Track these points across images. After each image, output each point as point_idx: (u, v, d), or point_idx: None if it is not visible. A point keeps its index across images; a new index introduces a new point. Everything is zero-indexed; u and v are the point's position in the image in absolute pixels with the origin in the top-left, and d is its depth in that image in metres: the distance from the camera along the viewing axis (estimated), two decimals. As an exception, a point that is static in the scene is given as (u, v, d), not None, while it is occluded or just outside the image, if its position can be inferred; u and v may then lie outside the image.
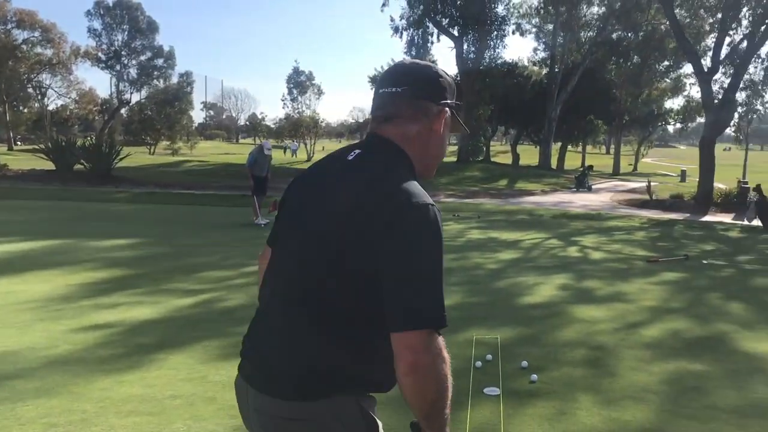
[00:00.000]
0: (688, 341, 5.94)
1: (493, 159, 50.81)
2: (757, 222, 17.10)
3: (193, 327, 5.97)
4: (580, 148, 60.87)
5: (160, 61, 64.17)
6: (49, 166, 25.75)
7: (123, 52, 62.24)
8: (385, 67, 49.05)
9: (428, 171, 1.79)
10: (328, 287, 1.57)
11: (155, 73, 64.01)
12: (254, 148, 14.60)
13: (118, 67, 62.26)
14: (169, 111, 58.59)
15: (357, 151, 1.72)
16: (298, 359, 1.59)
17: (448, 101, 1.75)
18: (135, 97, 64.39)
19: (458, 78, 41.57)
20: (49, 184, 22.87)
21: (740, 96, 25.08)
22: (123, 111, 63.97)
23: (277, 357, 1.64)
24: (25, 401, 4.10)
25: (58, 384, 4.43)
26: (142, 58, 63.54)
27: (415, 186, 1.59)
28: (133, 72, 63.31)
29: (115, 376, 4.63)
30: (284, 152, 47.59)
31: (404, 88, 1.70)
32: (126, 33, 61.99)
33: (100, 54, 60.62)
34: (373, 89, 1.80)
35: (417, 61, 1.80)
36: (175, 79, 65.00)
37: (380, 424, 1.68)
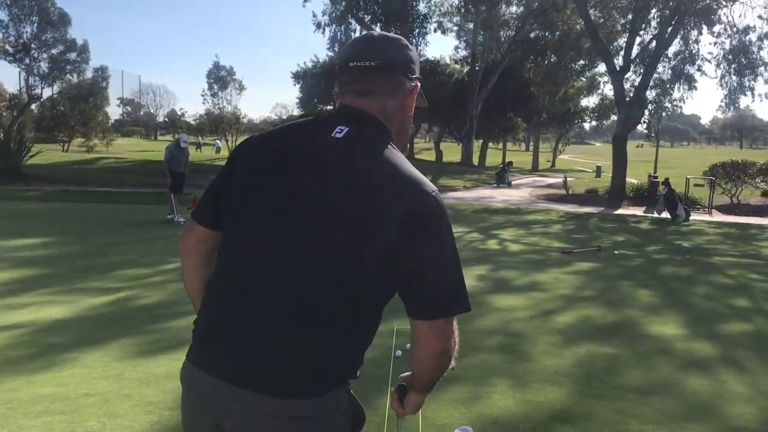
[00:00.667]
0: (598, 326, 6.21)
1: (416, 156, 51.35)
2: (665, 214, 17.94)
3: (109, 325, 5.81)
4: (500, 145, 62.28)
5: (73, 55, 61.46)
6: (-48, 163, 24.37)
7: (33, 45, 59.36)
8: (309, 64, 48.49)
9: (401, 141, 1.70)
10: (347, 280, 1.47)
11: (68, 67, 61.27)
12: (170, 143, 14.29)
13: (27, 61, 59.34)
14: (84, 107, 56.29)
15: (343, 128, 1.56)
16: (313, 355, 1.47)
17: (419, 76, 1.69)
18: (46, 92, 61.48)
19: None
20: (-47, 183, 21.68)
21: (650, 94, 26.14)
22: (33, 106, 61.04)
23: (284, 353, 1.47)
24: (-75, 405, 3.91)
25: (-37, 386, 4.24)
26: (54, 51, 60.70)
27: (416, 170, 1.54)
28: (44, 66, 60.38)
29: (24, 376, 4.46)
30: (215, 151, 46.67)
31: (378, 62, 1.61)
32: (36, 25, 59.10)
33: (7, 47, 57.65)
34: (338, 64, 1.68)
35: (386, 33, 1.70)
36: (89, 74, 62.41)
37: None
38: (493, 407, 4.15)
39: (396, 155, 1.54)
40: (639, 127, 26.28)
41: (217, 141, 47.10)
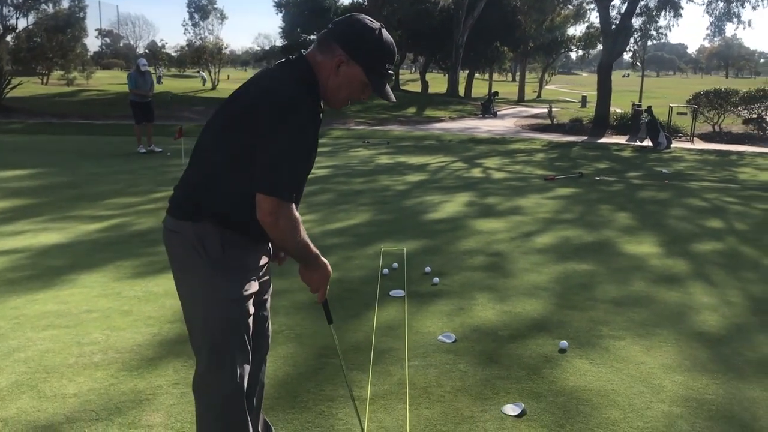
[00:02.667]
0: (576, 246, 6.47)
1: (402, 87, 50.88)
2: (647, 142, 18.15)
3: (104, 249, 5.99)
4: (487, 76, 61.69)
5: (47, -17, 59.56)
6: (-69, 96, 23.98)
7: (5, -27, 57.31)
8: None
9: (329, 101, 2.17)
10: (216, 147, 2.12)
11: (42, -5, 59.42)
12: (131, 71, 14.09)
13: (0, -11, 57.42)
14: (61, 38, 54.76)
15: (281, 60, 2.19)
16: (181, 190, 2.19)
17: (355, 57, 2.07)
18: (22, 23, 59.76)
19: (365, 3, 41.04)
20: (-67, 116, 21.40)
21: (636, 22, 25.96)
22: (9, 38, 59.40)
23: (178, 188, 2.21)
24: (-65, 322, 4.11)
25: (-31, 305, 4.43)
26: (27, -21, 58.73)
27: (290, 93, 2.01)
28: (17, -6, 58.54)
29: (27, 295, 4.66)
30: (202, 83, 45.86)
31: (332, 28, 2.11)
32: (7, -49, 56.94)
33: (-22, -26, 55.67)
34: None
35: (366, 22, 2.10)
36: (65, 4, 60.52)
37: (250, 282, 2.20)
38: (474, 317, 4.41)
39: (287, 77, 2.06)
40: (625, 56, 26.21)
41: (201, 73, 46.33)
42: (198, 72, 47.06)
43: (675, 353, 3.90)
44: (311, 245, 2.15)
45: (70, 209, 7.71)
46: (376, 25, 2.09)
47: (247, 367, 2.25)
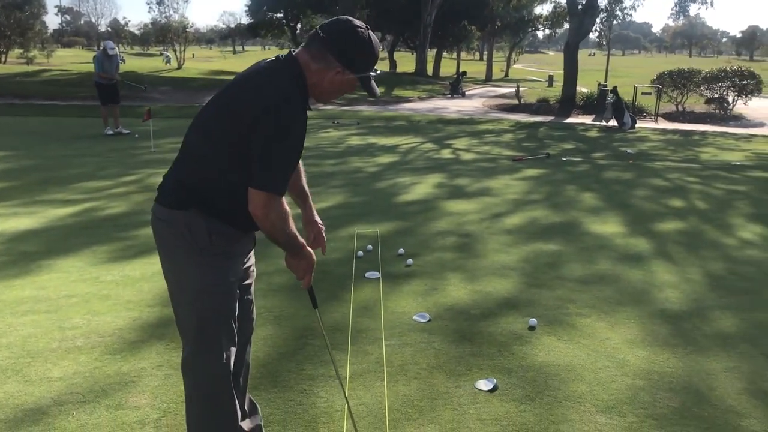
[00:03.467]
0: (544, 226, 6.65)
1: (370, 66, 50.70)
2: (613, 122, 18.47)
3: (78, 234, 6.00)
4: (455, 55, 61.79)
5: (4, -42, 57.80)
6: None
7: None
8: (258, -31, 46.60)
9: (319, 100, 2.29)
10: (202, 145, 2.22)
11: (-1, -29, 57.70)
12: (98, 52, 13.89)
13: (-46, -36, 55.61)
14: (19, 15, 53.43)
15: (271, 59, 2.26)
16: (170, 179, 2.28)
17: (350, 68, 2.19)
18: (-23, 0, 58.05)
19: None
20: None
21: (602, 2, 26.24)
22: (-35, 16, 57.69)
23: (167, 177, 2.30)
24: None
25: (-55, 292, 4.45)
26: (-18, -47, 56.94)
27: (287, 93, 2.10)
28: (-27, -30, 56.78)
29: (4, 281, 4.68)
30: (163, 62, 45.09)
31: (324, 37, 2.17)
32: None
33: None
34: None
35: (359, 32, 2.18)
36: (23, -21, 58.98)
37: (235, 269, 2.33)
38: (447, 297, 4.56)
39: (277, 81, 2.14)
40: (591, 35, 26.45)
41: (165, 52, 45.61)
42: (161, 52, 46.30)
43: (638, 329, 4.10)
44: (298, 236, 2.26)
45: (40, 193, 7.67)
46: (366, 32, 2.19)
47: (233, 349, 2.36)
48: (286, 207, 2.16)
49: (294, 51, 2.25)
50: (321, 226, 2.66)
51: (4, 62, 46.90)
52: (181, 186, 2.23)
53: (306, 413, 3.01)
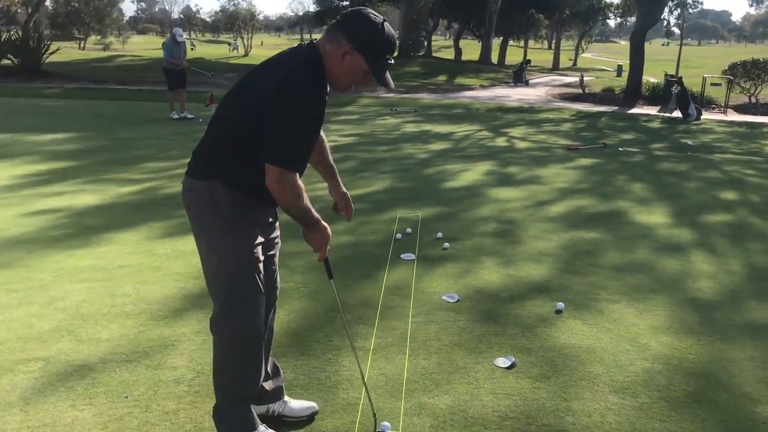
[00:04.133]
0: (588, 215, 6.66)
1: (435, 54, 50.55)
2: (677, 113, 18.00)
3: (137, 210, 6.37)
4: (522, 43, 60.96)
5: (83, -52, 60.06)
6: (-26, 61, 24.73)
7: (44, -63, 57.82)
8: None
9: (333, 85, 2.43)
10: (226, 122, 2.44)
11: (79, -40, 60.00)
12: (166, 40, 14.30)
13: (38, -46, 58.04)
14: (98, 3, 55.65)
15: (294, 46, 2.47)
16: (197, 154, 2.51)
17: (359, 48, 2.32)
18: (60, -12, 60.53)
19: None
20: (-24, 80, 22.11)
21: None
22: (48, 3, 60.25)
23: (195, 152, 2.53)
24: (-16, 273, 4.52)
25: (14, 259, 4.84)
26: (65, -57, 59.27)
27: (297, 75, 2.28)
28: (55, -41, 59.20)
29: (66, 251, 5.05)
30: (230, 49, 46.19)
31: (339, 20, 2.37)
32: None
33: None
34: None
35: (371, 17, 2.34)
36: (102, -31, 61.22)
37: (258, 234, 2.51)
38: (478, 280, 4.68)
39: (296, 64, 2.33)
40: (665, 24, 25.68)
41: (234, 41, 46.59)
42: (233, 40, 47.20)
43: (665, 316, 4.13)
44: (313, 210, 2.43)
45: (105, 172, 8.12)
46: (379, 19, 2.35)
47: (261, 310, 2.55)
48: (300, 182, 2.34)
49: (316, 41, 2.43)
50: (347, 195, 2.84)
51: (83, 48, 48.87)
52: (204, 160, 2.45)
53: (328, 380, 3.21)
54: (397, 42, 2.36)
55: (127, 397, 2.99)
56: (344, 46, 2.32)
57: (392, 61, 2.43)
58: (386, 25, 2.36)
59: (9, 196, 6.74)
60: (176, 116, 13.78)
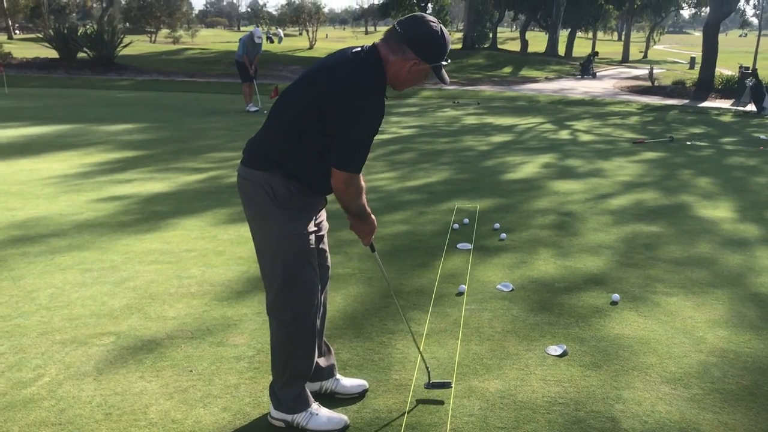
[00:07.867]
0: (650, 209, 6.55)
1: (500, 46, 50.05)
2: (751, 106, 17.38)
3: (203, 198, 6.61)
4: (590, 35, 59.69)
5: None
6: (53, 54, 25.88)
7: (118, -66, 59.79)
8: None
9: (397, 87, 2.56)
10: (287, 121, 2.51)
11: (151, -44, 61.81)
12: (244, 36, 14.29)
13: (112, -50, 60.09)
14: (168, -3, 57.28)
15: (356, 49, 2.54)
16: (254, 144, 2.62)
17: (425, 58, 2.45)
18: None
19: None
20: (54, 72, 23.15)
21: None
22: (121, -2, 62.39)
23: (252, 141, 2.65)
24: (61, 254, 4.80)
25: (87, 241, 5.11)
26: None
27: (367, 86, 2.41)
28: (129, -45, 61.17)
29: (136, 235, 5.31)
30: (269, 41, 46.46)
31: (401, 32, 2.44)
32: None
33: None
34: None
35: (432, 26, 2.44)
36: (173, -36, 62.92)
37: (312, 221, 2.64)
38: (534, 270, 4.69)
39: (356, 70, 2.44)
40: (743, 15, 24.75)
41: (279, 31, 46.96)
42: (274, 33, 47.22)
43: (724, 310, 4.06)
44: (367, 206, 2.65)
45: (173, 161, 8.44)
46: (438, 26, 2.45)
47: (316, 290, 2.67)
48: (362, 182, 2.55)
49: (375, 44, 2.52)
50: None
51: (154, 41, 50.42)
52: (263, 150, 2.57)
53: (382, 361, 3.30)
54: (462, 34, 2.47)
55: (191, 371, 3.16)
56: (411, 58, 2.44)
57: (449, 60, 2.54)
58: (444, 29, 2.47)
59: (83, 183, 7.09)
60: (254, 109, 14.00)
